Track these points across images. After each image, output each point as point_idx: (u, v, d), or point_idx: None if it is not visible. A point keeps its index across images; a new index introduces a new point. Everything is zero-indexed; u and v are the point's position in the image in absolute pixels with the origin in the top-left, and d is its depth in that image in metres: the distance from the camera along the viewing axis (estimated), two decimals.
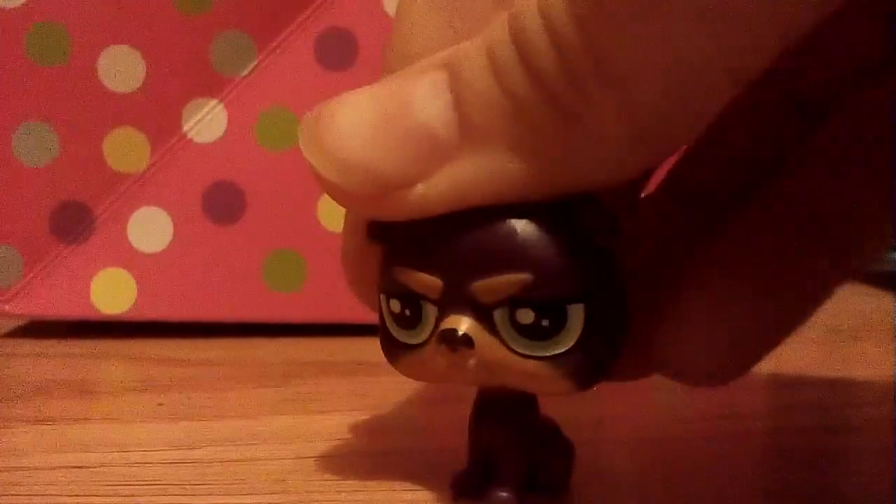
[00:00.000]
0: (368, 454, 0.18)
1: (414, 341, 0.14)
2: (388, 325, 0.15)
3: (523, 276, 0.13)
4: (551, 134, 0.12)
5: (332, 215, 0.30)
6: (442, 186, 0.13)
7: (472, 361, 0.13)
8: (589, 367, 0.14)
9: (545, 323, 0.13)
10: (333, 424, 0.20)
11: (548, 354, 0.13)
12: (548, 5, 0.12)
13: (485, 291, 0.13)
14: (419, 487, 0.16)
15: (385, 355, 0.15)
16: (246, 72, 0.30)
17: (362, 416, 0.21)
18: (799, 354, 0.28)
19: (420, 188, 0.13)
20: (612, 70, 0.12)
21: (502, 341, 0.13)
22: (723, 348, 0.15)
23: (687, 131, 0.13)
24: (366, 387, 0.23)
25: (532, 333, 0.13)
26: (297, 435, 0.19)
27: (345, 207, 0.14)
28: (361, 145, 0.13)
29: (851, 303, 0.41)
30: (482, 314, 0.13)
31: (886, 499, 0.16)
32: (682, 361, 0.15)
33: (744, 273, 0.15)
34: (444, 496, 0.16)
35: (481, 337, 0.13)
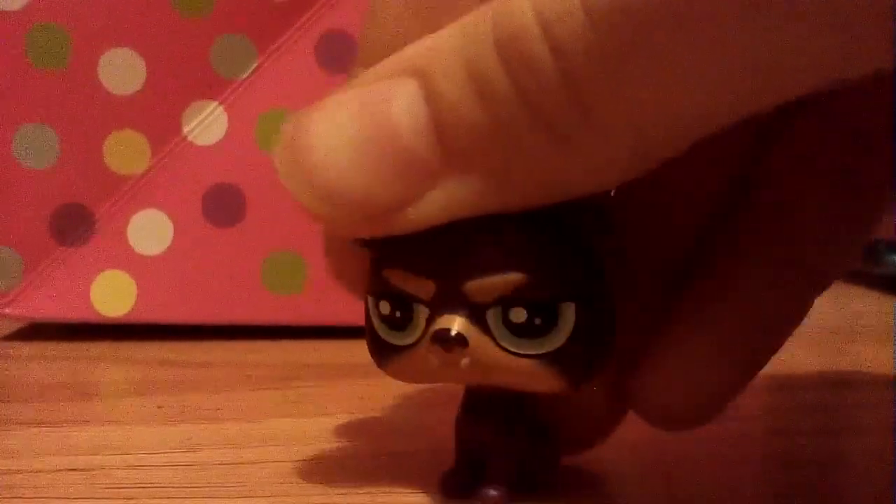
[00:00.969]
0: (368, 456, 0.18)
1: (404, 342, 0.14)
2: (376, 327, 0.14)
3: (515, 276, 0.13)
4: (541, 156, 0.12)
5: None
6: (429, 207, 0.13)
7: (465, 361, 0.13)
8: (579, 364, 0.14)
9: (537, 321, 0.13)
10: (333, 426, 0.20)
11: (539, 352, 0.13)
12: (547, 9, 0.11)
13: (478, 291, 0.13)
14: (418, 489, 0.16)
15: (373, 358, 0.15)
16: (246, 74, 0.30)
17: (362, 418, 0.21)
18: (799, 356, 0.28)
19: (407, 212, 0.13)
20: (623, 93, 0.11)
21: (495, 340, 0.13)
22: (690, 403, 0.15)
23: (684, 148, 0.12)
24: (365, 389, 0.23)
25: (524, 332, 0.13)
26: (297, 437, 0.19)
27: (328, 230, 0.14)
28: (343, 175, 0.13)
29: (851, 304, 0.41)
30: (475, 314, 0.13)
31: (886, 500, 0.16)
32: (653, 408, 0.16)
33: (710, 329, 0.15)
34: (442, 497, 0.16)
35: (474, 336, 0.13)
